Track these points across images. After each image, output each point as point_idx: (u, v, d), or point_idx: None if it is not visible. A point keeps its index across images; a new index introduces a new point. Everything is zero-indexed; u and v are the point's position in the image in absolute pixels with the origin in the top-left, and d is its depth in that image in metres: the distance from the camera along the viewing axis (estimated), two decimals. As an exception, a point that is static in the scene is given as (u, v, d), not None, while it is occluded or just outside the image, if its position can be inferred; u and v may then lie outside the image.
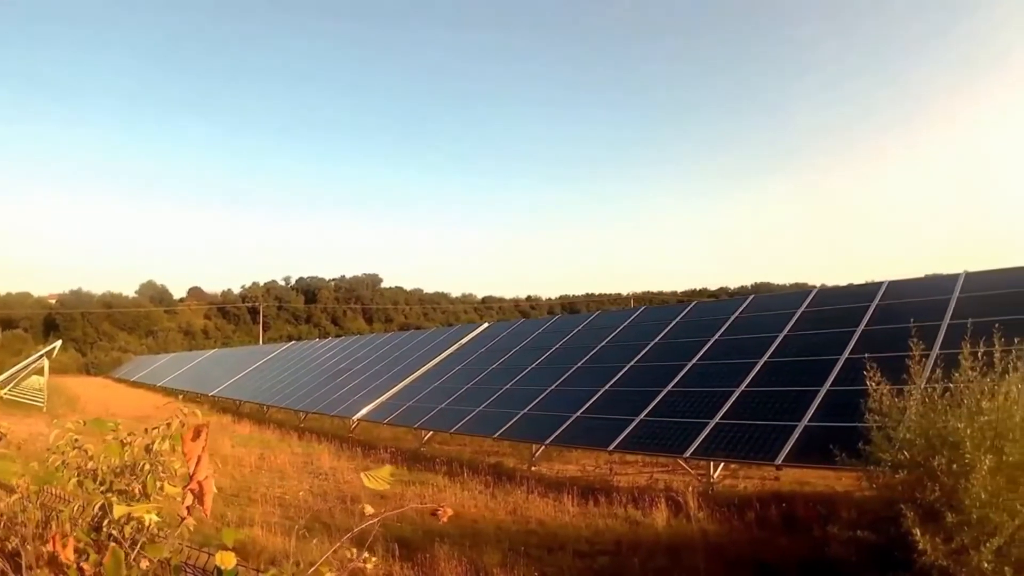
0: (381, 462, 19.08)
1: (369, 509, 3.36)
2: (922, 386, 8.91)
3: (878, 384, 8.87)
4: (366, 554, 3.31)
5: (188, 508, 3.16)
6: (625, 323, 23.36)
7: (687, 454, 13.98)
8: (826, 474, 14.29)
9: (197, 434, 3.01)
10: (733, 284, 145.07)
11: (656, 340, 20.48)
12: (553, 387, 20.15)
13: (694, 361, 17.92)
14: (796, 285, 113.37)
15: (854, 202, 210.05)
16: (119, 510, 3.19)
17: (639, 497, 13.77)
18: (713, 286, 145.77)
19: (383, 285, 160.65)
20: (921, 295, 16.41)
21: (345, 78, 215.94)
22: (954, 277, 16.48)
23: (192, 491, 3.08)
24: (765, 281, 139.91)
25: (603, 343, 22.14)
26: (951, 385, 8.21)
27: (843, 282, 18.50)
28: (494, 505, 14.46)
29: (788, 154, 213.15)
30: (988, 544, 7.10)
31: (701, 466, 15.43)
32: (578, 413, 17.62)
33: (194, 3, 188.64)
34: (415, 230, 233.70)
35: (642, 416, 16.03)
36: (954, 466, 7.45)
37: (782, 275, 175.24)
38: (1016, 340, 8.39)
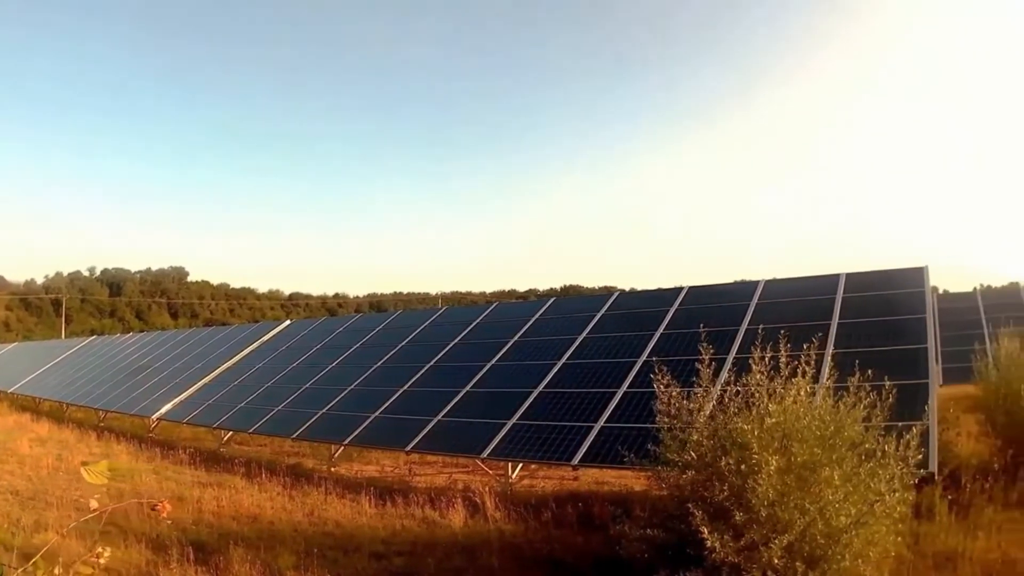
0: (179, 463, 18.81)
1: (94, 504, 3.07)
2: (715, 389, 9.09)
3: (667, 386, 8.88)
4: (99, 548, 3.07)
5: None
6: (427, 322, 23.19)
7: (485, 454, 13.95)
8: (624, 474, 14.41)
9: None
10: (543, 286, 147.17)
11: (457, 340, 20.37)
12: (353, 386, 19.82)
13: (494, 361, 17.85)
14: (605, 288, 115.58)
15: (666, 207, 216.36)
16: None
17: (437, 498, 13.56)
18: (523, 287, 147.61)
19: (190, 279, 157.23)
20: (722, 300, 16.75)
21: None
22: (754, 284, 16.90)
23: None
24: (575, 284, 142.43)
25: (404, 342, 21.91)
26: (739, 388, 8.31)
27: (654, 286, 18.90)
28: (292, 507, 14.09)
29: (596, 158, 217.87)
30: (777, 541, 7.20)
31: (500, 466, 15.43)
32: (377, 413, 17.36)
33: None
34: (224, 224, 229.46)
35: (440, 416, 15.89)
36: (742, 466, 7.52)
37: (592, 278, 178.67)
38: (804, 346, 8.57)
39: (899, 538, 8.31)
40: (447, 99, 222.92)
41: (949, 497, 11.27)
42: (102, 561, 3.10)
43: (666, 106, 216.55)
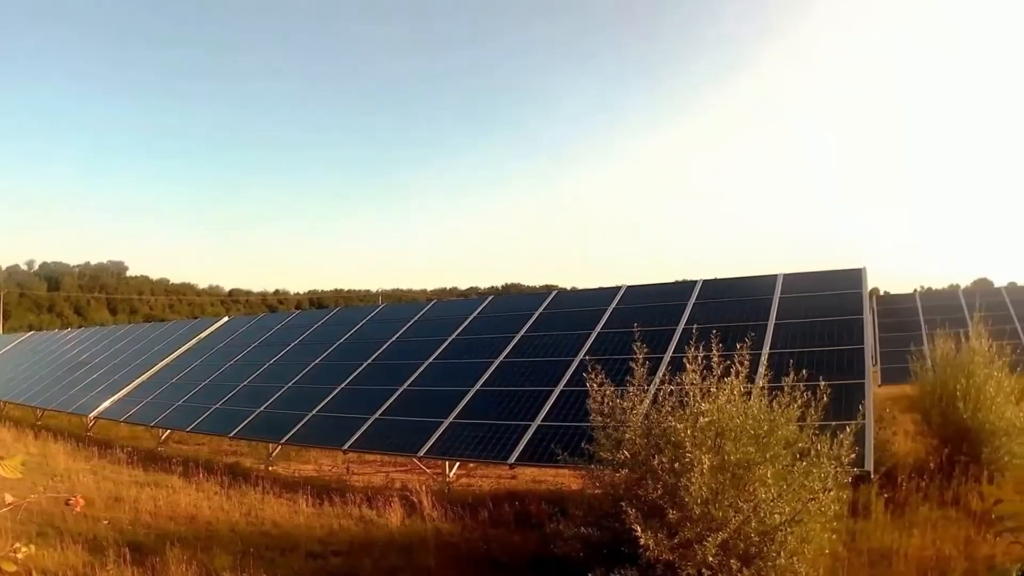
0: (117, 462, 18.48)
1: (10, 498, 3.05)
2: (649, 388, 9.11)
3: (600, 385, 8.89)
4: (17, 544, 3.10)
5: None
6: (365, 320, 23.01)
7: (422, 453, 13.91)
8: (562, 472, 14.43)
9: None
10: (484, 284, 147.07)
11: (395, 337, 20.27)
12: (291, 384, 19.65)
13: (431, 359, 17.78)
14: (546, 287, 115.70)
15: (608, 208, 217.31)
16: None
17: (374, 497, 13.51)
18: (464, 285, 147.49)
19: (129, 274, 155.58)
20: (660, 300, 16.77)
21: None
22: (691, 284, 16.94)
23: None
24: (516, 282, 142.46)
25: (342, 339, 21.76)
26: (673, 387, 8.33)
27: (594, 285, 18.89)
28: (229, 506, 13.91)
29: (538, 159, 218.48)
30: (711, 539, 7.21)
31: (438, 465, 15.34)
32: (314, 411, 17.22)
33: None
34: (163, 219, 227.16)
35: (378, 415, 15.81)
36: (676, 465, 7.53)
37: (534, 277, 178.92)
38: (738, 346, 8.61)
39: (834, 536, 8.36)
40: (393, 95, 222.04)
41: (885, 495, 11.36)
42: (20, 556, 3.05)
43: (611, 108, 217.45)
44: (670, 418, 7.83)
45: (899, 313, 31.98)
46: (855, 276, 15.12)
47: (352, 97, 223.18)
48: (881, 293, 46.27)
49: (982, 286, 59.11)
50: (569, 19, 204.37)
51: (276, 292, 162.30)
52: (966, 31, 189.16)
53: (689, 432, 7.60)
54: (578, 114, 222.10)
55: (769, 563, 7.50)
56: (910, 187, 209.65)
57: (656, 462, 7.65)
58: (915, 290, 40.19)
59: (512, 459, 12.68)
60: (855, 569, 9.03)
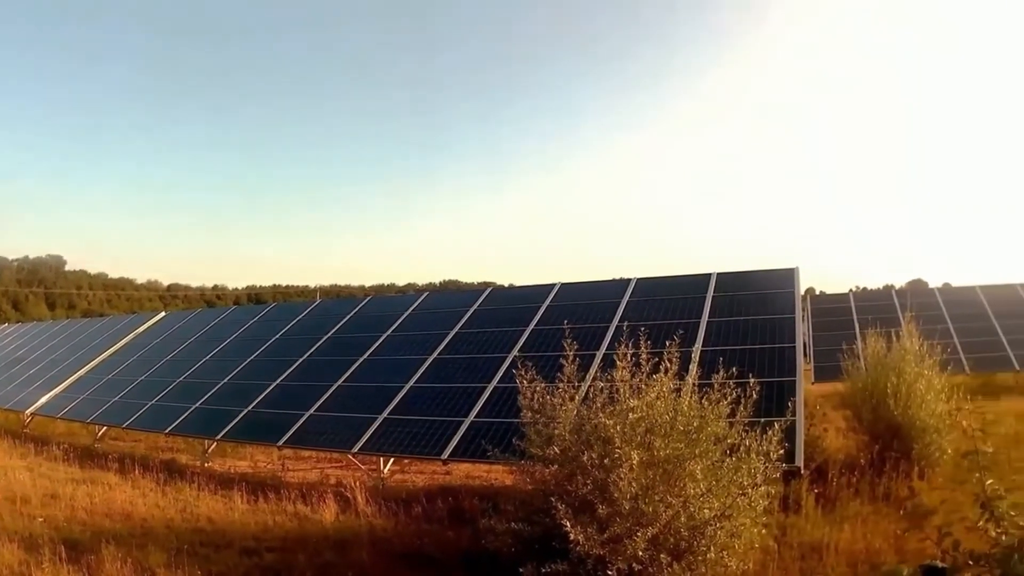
0: (54, 459, 18.19)
1: None
2: (581, 385, 9.13)
3: (531, 381, 8.91)
4: None
5: None
6: (302, 315, 22.83)
7: (356, 449, 13.88)
8: (496, 468, 14.49)
9: None
10: (422, 280, 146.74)
11: (331, 333, 20.12)
12: (227, 380, 19.45)
13: (366, 356, 17.69)
14: (484, 283, 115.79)
15: (552, 206, 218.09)
16: None
17: (309, 493, 13.43)
18: (401, 281, 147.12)
19: (67, 268, 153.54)
20: (594, 297, 16.82)
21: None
22: (625, 281, 17.00)
23: None
24: (453, 278, 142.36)
25: (278, 335, 21.55)
26: (604, 384, 8.35)
27: (532, 282, 18.88)
28: (165, 503, 13.75)
29: (484, 158, 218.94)
30: (641, 533, 7.25)
31: (373, 461, 15.23)
32: (250, 407, 17.08)
33: None
34: (102, 213, 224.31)
35: (313, 410, 15.72)
36: (605, 461, 7.57)
37: (472, 274, 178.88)
38: (667, 343, 8.66)
39: (765, 530, 8.43)
40: (336, 89, 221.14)
41: (816, 490, 11.47)
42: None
43: (557, 107, 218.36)
44: (600, 414, 7.86)
45: (833, 312, 32.38)
46: (788, 276, 15.27)
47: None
48: (817, 292, 47.04)
49: (917, 287, 60.01)
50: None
51: (215, 287, 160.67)
52: (907, 32, 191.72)
53: (619, 428, 7.65)
54: (521, 114, 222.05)
55: (699, 557, 7.55)
56: (864, 189, 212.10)
57: (586, 458, 7.69)
58: (850, 290, 40.78)
59: (445, 455, 12.69)
60: (786, 563, 9.11)
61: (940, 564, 2.96)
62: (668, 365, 8.43)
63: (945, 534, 3.23)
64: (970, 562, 2.92)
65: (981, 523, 3.48)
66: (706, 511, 7.55)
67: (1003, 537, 3.23)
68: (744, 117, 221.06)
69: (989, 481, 3.71)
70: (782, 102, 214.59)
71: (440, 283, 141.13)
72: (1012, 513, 3.39)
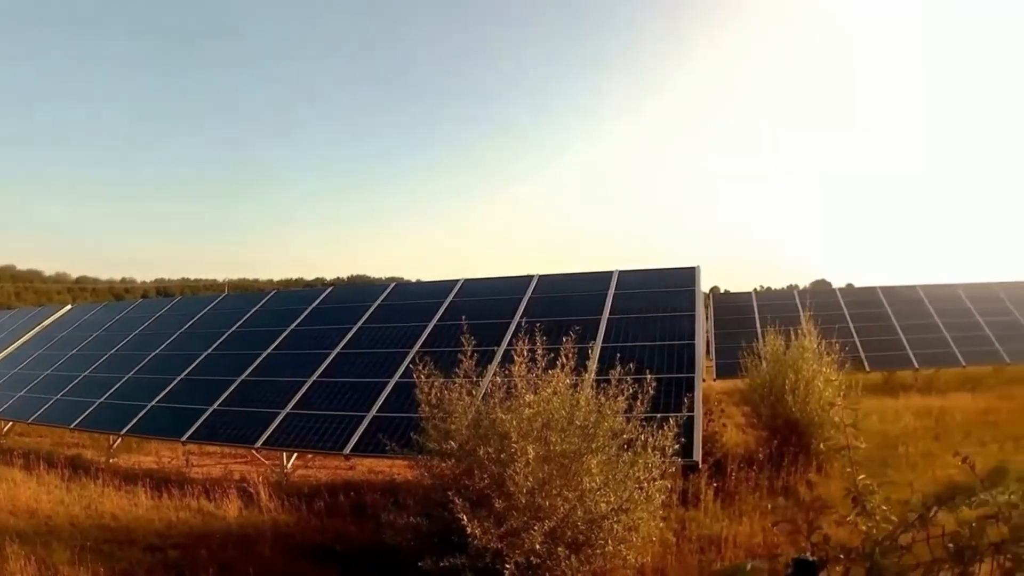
0: (-43, 457, 17.63)
1: None
2: (482, 380, 9.17)
3: (428, 376, 8.95)
4: None
5: None
6: (207, 309, 22.47)
7: (259, 444, 13.75)
8: (399, 463, 14.29)
9: None
10: (330, 275, 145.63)
11: (235, 328, 19.92)
12: (132, 374, 19.09)
13: (270, 350, 17.55)
14: (391, 279, 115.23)
15: (463, 201, 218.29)
16: None
17: (212, 488, 13.29)
18: (310, 276, 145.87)
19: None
20: (497, 294, 16.94)
21: None
22: (528, 278, 17.13)
23: None
24: (362, 273, 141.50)
25: (183, 329, 21.23)
26: (503, 379, 8.40)
27: (442, 277, 18.90)
28: (69, 499, 13.48)
29: (393, 151, 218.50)
30: (538, 527, 7.31)
31: (276, 456, 15.20)
32: (154, 402, 16.78)
33: None
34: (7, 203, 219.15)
35: (216, 405, 15.53)
36: (502, 455, 7.61)
37: (381, 269, 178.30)
38: (563, 340, 8.74)
39: (663, 524, 8.53)
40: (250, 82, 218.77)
41: (715, 485, 11.63)
42: None
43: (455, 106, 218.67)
44: (497, 410, 7.92)
45: (736, 311, 33.01)
46: (688, 274, 15.49)
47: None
48: (723, 291, 47.80)
49: (820, 287, 61.10)
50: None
51: (123, 280, 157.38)
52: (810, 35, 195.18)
53: (515, 423, 7.70)
54: (424, 112, 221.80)
55: (597, 551, 7.63)
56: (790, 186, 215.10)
57: (482, 452, 7.72)
58: (753, 290, 41.45)
59: (348, 450, 12.66)
60: (684, 556, 9.20)
61: (811, 557, 3.02)
62: (564, 361, 8.53)
63: (815, 528, 3.30)
64: (841, 556, 2.98)
65: (851, 517, 3.57)
66: (603, 505, 7.62)
67: (874, 531, 3.30)
68: (717, 118, 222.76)
69: (861, 476, 3.80)
70: (757, 100, 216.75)
71: (348, 277, 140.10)
72: (884, 507, 3.47)
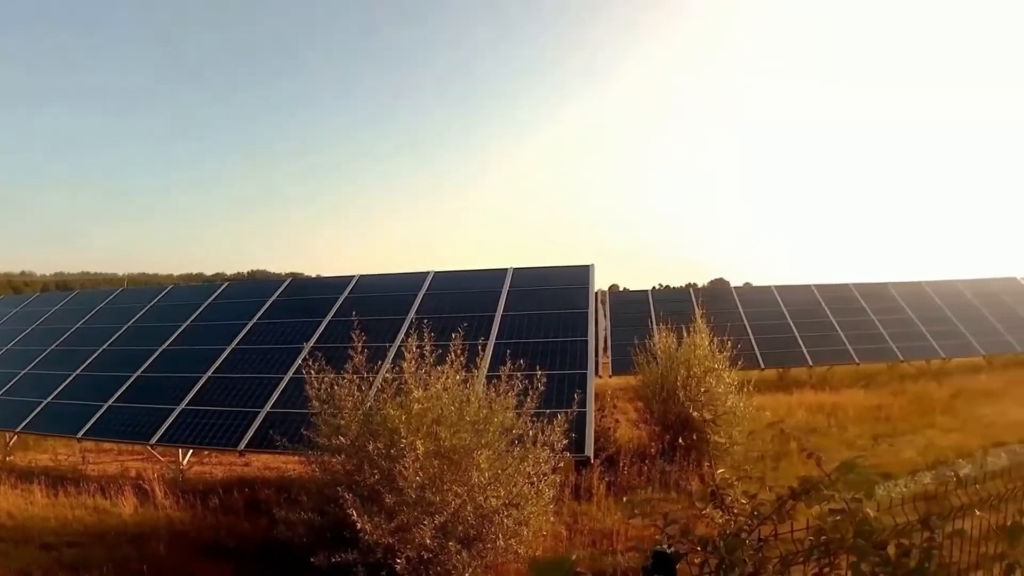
0: None
1: None
2: (376, 376, 9.18)
3: (319, 371, 8.98)
4: None
5: None
6: (104, 303, 22.01)
7: (154, 440, 13.56)
8: (293, 458, 14.18)
9: None
10: (230, 270, 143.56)
11: (131, 323, 19.55)
12: (26, 371, 18.57)
13: (165, 345, 17.28)
14: (291, 274, 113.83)
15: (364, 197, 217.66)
16: None
17: (108, 486, 13.01)
18: (209, 271, 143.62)
19: None
20: (392, 290, 16.96)
21: None
22: (423, 275, 17.16)
23: None
24: (262, 268, 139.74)
25: (79, 324, 20.71)
26: (395, 375, 8.42)
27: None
28: (-36, 500, 13.12)
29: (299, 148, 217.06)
30: (428, 522, 7.36)
31: (172, 453, 14.99)
32: (49, 399, 16.37)
33: None
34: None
35: (112, 402, 15.24)
36: (392, 451, 7.63)
37: (281, 264, 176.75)
38: (452, 336, 8.78)
39: (555, 518, 8.62)
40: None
41: (608, 479, 11.76)
42: None
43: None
44: (388, 405, 7.94)
45: (632, 308, 33.15)
46: (583, 272, 15.69)
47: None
48: (621, 289, 48.31)
49: (717, 285, 61.79)
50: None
51: (22, 273, 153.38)
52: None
53: (404, 418, 7.73)
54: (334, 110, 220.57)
55: (488, 545, 7.68)
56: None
57: (372, 448, 7.73)
58: (652, 288, 41.86)
59: (242, 446, 12.60)
60: (576, 549, 9.28)
61: (668, 550, 3.11)
62: (453, 357, 8.58)
63: (671, 521, 3.39)
64: (698, 548, 3.08)
65: (707, 510, 3.68)
66: (493, 500, 7.69)
67: (731, 524, 3.41)
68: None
69: (720, 470, 3.92)
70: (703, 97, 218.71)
71: (248, 272, 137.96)
72: (743, 501, 3.58)
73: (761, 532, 3.13)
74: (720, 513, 3.61)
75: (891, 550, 2.67)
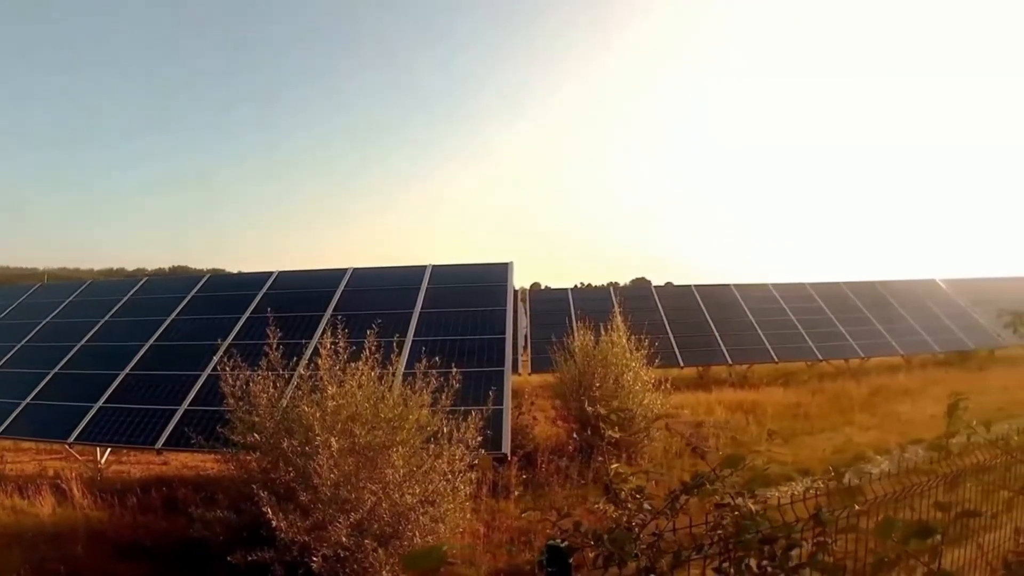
0: None
1: None
2: (289, 374, 9.14)
3: (234, 368, 8.91)
4: None
5: None
6: (22, 299, 21.35)
7: (71, 439, 13.26)
8: (210, 457, 14.06)
9: None
10: (152, 266, 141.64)
11: (49, 318, 19.07)
12: (-59, 368, 18.18)
13: (83, 342, 16.89)
14: (213, 270, 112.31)
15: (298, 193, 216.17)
16: None
17: (26, 486, 12.74)
18: (131, 266, 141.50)
19: None
20: (311, 286, 16.85)
21: None
22: (342, 271, 17.10)
23: None
24: (184, 264, 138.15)
25: (-4, 319, 20.38)
26: (310, 373, 8.41)
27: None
28: None
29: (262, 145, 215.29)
30: (343, 520, 7.39)
31: (90, 452, 14.75)
32: (-38, 397, 16.10)
33: None
34: None
35: (29, 400, 14.86)
36: (306, 448, 7.63)
37: (203, 260, 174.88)
38: (367, 333, 8.78)
39: (472, 515, 8.66)
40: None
41: (525, 476, 11.81)
42: None
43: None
44: (303, 402, 7.95)
45: (552, 306, 32.92)
46: (502, 270, 15.79)
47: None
48: (543, 287, 48.53)
49: (638, 284, 62.14)
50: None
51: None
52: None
53: (319, 416, 7.75)
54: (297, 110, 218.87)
55: (404, 542, 7.72)
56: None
57: (287, 445, 7.73)
58: (573, 286, 42.00)
59: (159, 444, 12.39)
60: (494, 546, 9.34)
61: (561, 543, 3.16)
62: (368, 355, 8.58)
63: (564, 515, 3.44)
64: (591, 541, 3.13)
65: (600, 504, 3.74)
66: (409, 497, 7.73)
67: (623, 518, 3.47)
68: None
69: (614, 465, 3.98)
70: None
71: (169, 268, 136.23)
72: (638, 496, 3.65)
73: (658, 526, 3.19)
74: (613, 508, 3.67)
75: (780, 545, 2.74)
